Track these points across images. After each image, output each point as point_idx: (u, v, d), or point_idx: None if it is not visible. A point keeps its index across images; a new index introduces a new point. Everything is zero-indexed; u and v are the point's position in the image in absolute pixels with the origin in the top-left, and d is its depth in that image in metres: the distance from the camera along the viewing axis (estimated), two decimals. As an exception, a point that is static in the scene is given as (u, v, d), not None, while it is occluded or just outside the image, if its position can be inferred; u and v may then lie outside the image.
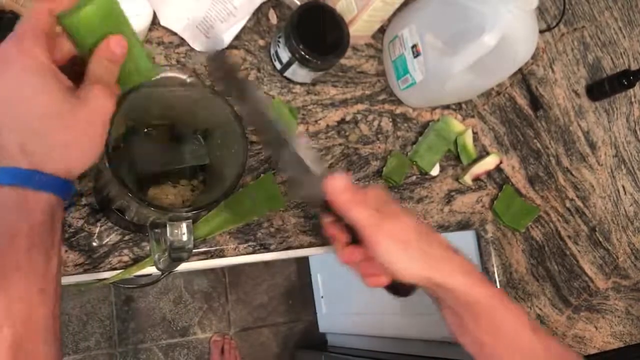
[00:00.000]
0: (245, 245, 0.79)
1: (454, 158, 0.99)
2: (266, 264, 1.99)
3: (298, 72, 0.84)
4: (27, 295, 0.38)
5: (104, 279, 0.72)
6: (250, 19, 0.85)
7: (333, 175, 0.54)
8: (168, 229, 0.57)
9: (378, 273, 0.56)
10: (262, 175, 0.82)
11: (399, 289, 0.58)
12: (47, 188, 0.40)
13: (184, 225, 0.57)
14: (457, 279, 0.54)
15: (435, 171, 0.96)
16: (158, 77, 0.57)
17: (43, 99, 0.40)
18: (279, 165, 0.63)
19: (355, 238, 0.55)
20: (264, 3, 0.86)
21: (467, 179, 0.98)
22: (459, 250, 0.56)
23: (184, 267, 0.77)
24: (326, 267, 1.89)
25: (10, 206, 0.39)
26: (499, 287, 1.00)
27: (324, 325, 1.95)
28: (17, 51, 0.40)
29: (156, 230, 0.63)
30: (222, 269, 1.94)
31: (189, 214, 0.57)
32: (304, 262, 2.02)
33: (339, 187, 0.53)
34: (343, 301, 1.80)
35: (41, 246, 0.40)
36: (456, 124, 0.98)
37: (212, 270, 1.92)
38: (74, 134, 0.41)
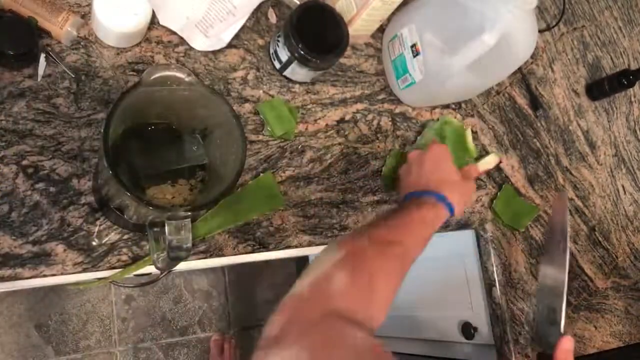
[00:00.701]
0: (244, 245, 0.79)
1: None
2: (266, 263, 1.99)
3: (297, 72, 0.84)
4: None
5: (104, 278, 0.72)
6: (249, 19, 0.85)
7: (568, 337, 0.72)
8: (167, 228, 0.57)
9: None
10: (261, 174, 0.82)
11: None
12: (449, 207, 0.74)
13: (182, 224, 0.57)
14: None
15: None
16: (156, 76, 0.57)
17: (450, 167, 0.79)
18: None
19: None
20: (263, 2, 0.86)
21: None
22: None
23: (183, 266, 0.77)
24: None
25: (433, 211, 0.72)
26: (498, 286, 1.00)
27: (323, 325, 1.94)
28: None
29: (155, 230, 0.63)
30: (222, 268, 1.94)
31: (188, 213, 0.57)
32: (304, 261, 2.02)
33: (568, 346, 0.71)
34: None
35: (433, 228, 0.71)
36: (456, 122, 0.98)
37: (212, 269, 1.92)
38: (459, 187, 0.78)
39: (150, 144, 0.67)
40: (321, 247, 0.87)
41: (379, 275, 0.55)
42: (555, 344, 0.71)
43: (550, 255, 0.84)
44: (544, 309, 0.79)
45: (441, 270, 1.17)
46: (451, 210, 0.73)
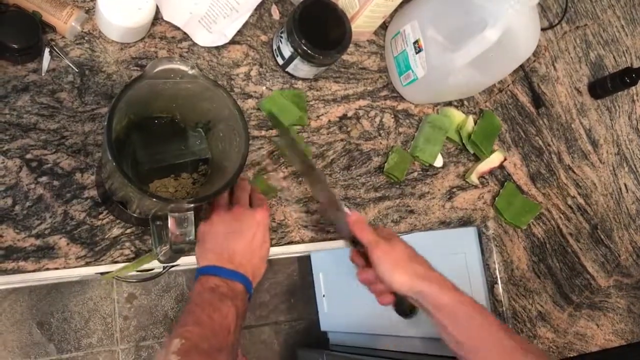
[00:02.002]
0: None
1: (455, 155, 1.00)
2: (268, 262, 1.99)
3: (300, 68, 0.84)
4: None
5: (109, 272, 0.72)
6: (252, 15, 0.85)
7: (352, 211, 0.79)
8: (170, 220, 0.57)
9: (385, 291, 0.74)
10: (265, 174, 0.82)
11: (404, 309, 0.75)
12: (244, 283, 0.65)
13: (185, 216, 0.57)
14: (431, 287, 0.69)
15: (439, 162, 0.96)
16: (159, 69, 0.57)
17: (261, 244, 0.69)
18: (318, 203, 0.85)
19: (367, 263, 0.74)
20: (266, -1, 0.86)
21: (474, 177, 0.98)
22: (437, 270, 0.73)
23: (186, 263, 0.78)
24: (328, 266, 1.89)
25: (236, 289, 0.63)
26: (500, 284, 1.00)
27: (325, 324, 1.95)
28: (264, 221, 0.69)
29: (158, 223, 0.63)
30: (224, 267, 1.93)
31: (191, 205, 0.57)
32: (305, 260, 2.02)
33: (355, 219, 0.75)
34: (344, 300, 1.80)
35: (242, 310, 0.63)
36: (456, 113, 0.98)
37: (214, 268, 1.91)
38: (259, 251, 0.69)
39: (153, 137, 0.67)
40: (323, 243, 0.88)
41: None
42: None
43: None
44: (326, 210, 0.82)
45: (443, 268, 1.17)
46: (250, 295, 0.67)
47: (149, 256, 0.71)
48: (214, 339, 0.57)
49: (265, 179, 0.82)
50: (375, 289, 0.75)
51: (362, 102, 0.93)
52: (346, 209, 0.79)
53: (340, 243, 0.93)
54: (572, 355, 1.05)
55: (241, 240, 0.65)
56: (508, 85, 1.10)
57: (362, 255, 0.75)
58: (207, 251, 0.65)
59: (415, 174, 0.96)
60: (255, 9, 0.85)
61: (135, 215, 0.67)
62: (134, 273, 1.12)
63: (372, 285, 0.75)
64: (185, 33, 0.80)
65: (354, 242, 0.76)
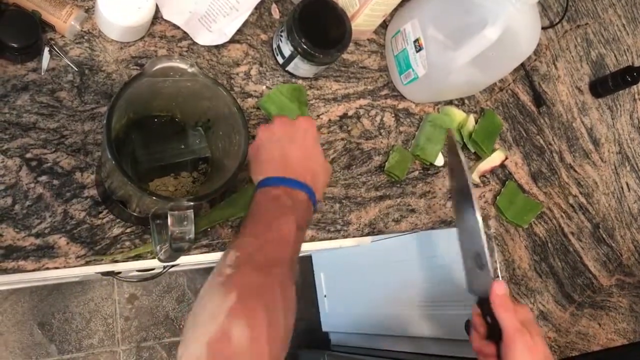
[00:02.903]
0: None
1: (457, 153, 0.99)
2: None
3: (300, 67, 0.84)
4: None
5: (108, 255, 0.72)
6: (252, 14, 0.85)
7: (500, 281, 0.70)
8: (169, 218, 0.57)
9: None
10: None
11: None
12: (306, 191, 0.62)
13: (185, 215, 0.57)
14: None
15: (439, 161, 0.96)
16: (159, 67, 0.57)
17: (319, 156, 0.67)
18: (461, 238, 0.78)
19: (489, 335, 0.69)
20: (266, -3, 0.86)
21: (475, 176, 0.98)
22: None
23: (186, 263, 0.78)
24: (329, 266, 1.89)
25: (298, 199, 0.61)
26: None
27: (327, 324, 1.94)
28: (311, 127, 0.68)
29: (158, 222, 0.63)
30: (225, 268, 1.93)
31: (191, 203, 0.57)
32: (307, 261, 2.02)
33: (501, 290, 0.68)
34: (346, 300, 1.80)
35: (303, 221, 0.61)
36: (456, 112, 0.98)
37: (215, 268, 1.91)
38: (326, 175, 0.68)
39: (153, 136, 0.67)
40: (324, 243, 0.87)
41: (277, 312, 0.51)
42: (488, 287, 0.69)
43: (459, 203, 0.77)
44: (468, 256, 0.75)
45: (446, 268, 1.17)
46: (314, 203, 0.64)
47: (148, 245, 0.71)
48: (272, 251, 0.55)
49: None
50: None
51: (362, 101, 0.93)
52: (491, 269, 0.71)
53: (341, 243, 0.93)
54: (574, 355, 1.05)
55: (294, 146, 0.64)
56: (509, 84, 1.09)
57: (485, 324, 0.70)
58: (262, 163, 0.63)
59: (416, 173, 0.95)
60: (255, 8, 0.84)
61: (135, 214, 0.67)
62: (135, 273, 1.12)
63: (484, 358, 0.70)
64: (185, 32, 0.80)
65: (481, 304, 0.71)
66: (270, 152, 0.64)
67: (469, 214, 0.74)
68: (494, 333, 0.68)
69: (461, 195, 0.76)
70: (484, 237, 0.72)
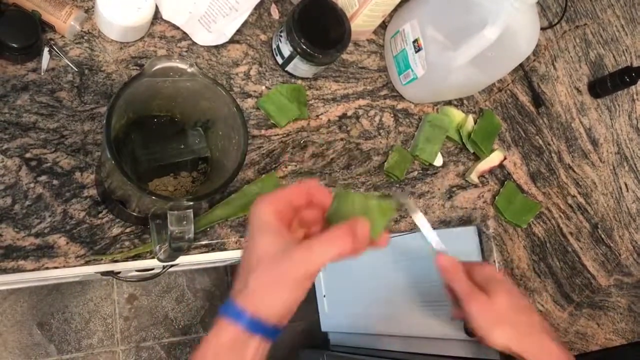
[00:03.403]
0: (246, 239, 0.79)
1: (455, 154, 0.99)
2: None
3: (299, 67, 0.84)
4: None
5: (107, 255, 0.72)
6: (252, 14, 0.86)
7: (441, 255, 0.68)
8: (169, 218, 0.57)
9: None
10: (264, 173, 0.82)
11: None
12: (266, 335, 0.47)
13: (184, 214, 0.57)
14: (533, 350, 0.64)
15: (438, 162, 0.96)
16: (158, 67, 0.57)
17: (259, 250, 0.47)
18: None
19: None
20: (265, -2, 0.86)
21: (474, 176, 0.98)
22: (554, 334, 0.67)
23: (186, 263, 0.78)
24: (328, 266, 1.88)
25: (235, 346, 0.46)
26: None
27: (326, 324, 1.94)
28: (254, 211, 0.49)
29: (157, 222, 0.63)
30: (224, 268, 1.94)
31: (190, 203, 0.57)
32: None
33: (446, 265, 0.67)
34: (345, 300, 1.80)
35: None
36: (455, 113, 0.98)
37: (215, 268, 1.92)
38: (279, 285, 0.46)
39: (152, 136, 0.67)
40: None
41: None
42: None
43: None
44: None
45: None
46: (261, 329, 0.46)
47: (148, 244, 0.71)
48: None
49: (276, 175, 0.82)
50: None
51: (361, 102, 0.93)
52: (433, 241, 0.69)
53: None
54: (573, 355, 1.05)
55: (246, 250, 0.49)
56: (508, 85, 1.10)
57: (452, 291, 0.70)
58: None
59: (415, 173, 0.95)
60: (255, 8, 0.85)
61: (134, 214, 0.67)
62: (134, 273, 1.12)
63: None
64: (184, 32, 0.80)
65: None
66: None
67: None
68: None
69: None
70: (417, 215, 0.68)
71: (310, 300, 1.99)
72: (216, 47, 0.82)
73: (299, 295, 0.46)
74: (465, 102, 1.02)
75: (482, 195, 1.01)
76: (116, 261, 0.71)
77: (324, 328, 1.95)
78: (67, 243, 0.68)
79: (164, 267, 0.93)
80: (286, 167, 0.84)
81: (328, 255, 0.45)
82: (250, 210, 0.49)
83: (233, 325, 0.45)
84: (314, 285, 1.96)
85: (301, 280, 0.45)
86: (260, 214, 0.48)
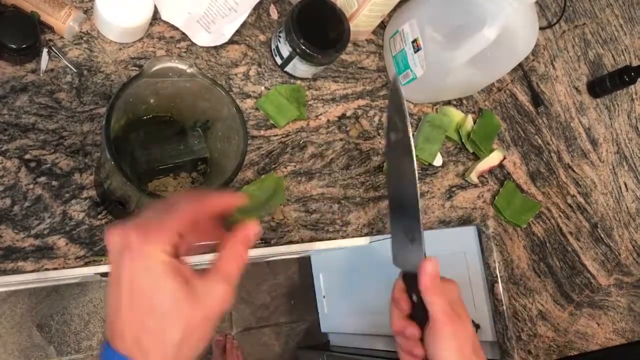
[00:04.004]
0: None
1: (455, 154, 0.99)
2: (268, 263, 1.99)
3: (299, 67, 0.84)
4: None
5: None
6: (251, 14, 0.86)
7: (432, 258, 0.60)
8: (168, 219, 0.57)
9: (416, 355, 0.60)
10: (263, 173, 0.82)
11: None
12: None
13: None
14: None
15: (438, 161, 0.96)
16: (157, 67, 0.57)
17: (162, 300, 0.40)
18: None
19: (413, 315, 0.61)
20: (264, -2, 0.86)
21: (473, 176, 0.98)
22: None
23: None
24: (328, 267, 1.89)
25: None
26: (500, 283, 0.99)
27: (326, 325, 1.95)
28: (141, 250, 0.40)
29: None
30: (224, 269, 1.93)
31: (189, 204, 0.57)
32: (306, 262, 2.02)
33: (432, 271, 0.59)
34: (345, 301, 1.80)
35: None
36: (455, 113, 0.98)
37: (214, 269, 1.91)
38: (190, 333, 0.41)
39: (151, 137, 0.67)
40: (323, 243, 0.87)
41: None
42: (417, 263, 0.61)
43: (395, 166, 0.65)
44: (398, 227, 0.64)
45: (443, 268, 1.17)
46: None
47: None
48: None
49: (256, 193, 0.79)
50: (407, 346, 0.61)
51: (361, 102, 0.93)
52: (423, 243, 0.62)
53: (339, 243, 0.93)
54: (572, 354, 1.05)
55: (122, 288, 0.41)
56: (507, 84, 1.10)
57: (410, 302, 0.61)
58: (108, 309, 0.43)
59: (415, 173, 0.95)
60: (254, 9, 0.85)
61: (134, 215, 0.67)
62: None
63: (405, 340, 0.62)
64: (183, 33, 0.80)
65: (407, 280, 0.62)
66: (110, 292, 0.43)
67: (404, 180, 0.63)
68: (419, 313, 0.60)
69: (397, 154, 0.64)
70: (420, 208, 0.63)
71: (310, 301, 2.00)
72: (215, 47, 0.82)
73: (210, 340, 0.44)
74: (464, 102, 1.02)
75: (482, 195, 1.01)
76: (116, 262, 0.71)
77: (323, 329, 1.95)
78: (67, 244, 0.68)
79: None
80: (285, 168, 0.84)
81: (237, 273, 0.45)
82: (131, 243, 0.41)
83: None
84: (313, 286, 1.96)
85: (220, 316, 0.43)
86: (155, 255, 0.40)
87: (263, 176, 0.81)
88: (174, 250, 0.42)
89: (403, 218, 0.63)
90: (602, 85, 1.18)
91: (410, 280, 0.61)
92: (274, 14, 0.89)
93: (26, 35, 0.67)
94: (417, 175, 0.62)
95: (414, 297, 0.61)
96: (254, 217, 0.48)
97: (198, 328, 0.41)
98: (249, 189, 0.78)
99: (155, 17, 0.78)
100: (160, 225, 0.42)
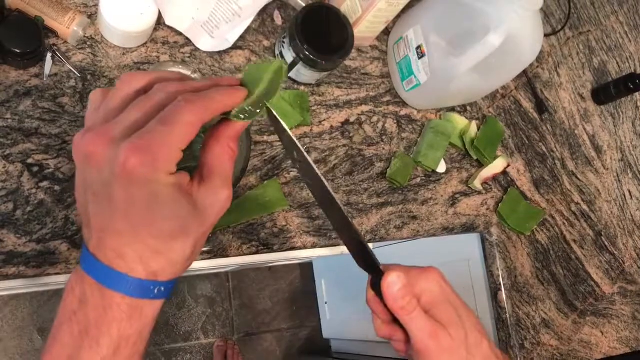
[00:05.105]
0: (248, 246, 0.79)
1: (458, 160, 0.99)
2: (270, 269, 1.99)
3: (302, 73, 0.84)
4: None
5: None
6: (255, 20, 0.85)
7: (390, 272, 0.51)
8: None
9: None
10: (266, 179, 0.82)
11: None
12: (162, 296, 0.40)
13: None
14: None
15: (442, 168, 0.96)
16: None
17: (172, 225, 0.38)
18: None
19: (395, 319, 0.53)
20: (269, 4, 0.86)
21: (477, 183, 0.98)
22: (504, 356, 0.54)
23: (187, 270, 0.77)
24: (330, 273, 1.88)
25: (125, 315, 0.38)
26: (503, 290, 0.99)
27: (327, 331, 1.94)
28: (146, 176, 0.37)
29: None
30: (226, 274, 1.93)
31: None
32: (308, 267, 2.01)
33: (396, 289, 0.50)
34: (347, 307, 1.80)
35: (142, 346, 0.41)
36: (459, 119, 0.98)
37: (216, 275, 1.91)
38: (196, 246, 0.41)
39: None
40: (325, 249, 0.87)
41: None
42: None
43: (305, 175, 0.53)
44: (345, 241, 0.57)
45: (446, 275, 1.16)
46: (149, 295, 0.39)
47: None
48: None
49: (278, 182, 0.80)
50: (398, 346, 0.55)
51: (364, 108, 0.93)
52: (373, 256, 0.55)
53: (342, 250, 0.92)
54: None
55: (96, 181, 0.38)
56: (511, 91, 1.09)
57: (386, 309, 0.53)
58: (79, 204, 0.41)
59: (418, 179, 0.95)
60: (258, 14, 0.85)
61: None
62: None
63: (398, 346, 0.55)
64: (187, 38, 0.80)
65: (376, 287, 0.53)
66: (93, 200, 0.39)
67: (317, 189, 0.52)
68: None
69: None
70: (351, 219, 0.55)
71: (311, 307, 1.99)
72: (219, 52, 0.82)
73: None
74: (468, 108, 1.02)
75: (486, 202, 1.00)
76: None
77: (325, 335, 1.95)
78: (69, 249, 0.68)
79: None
80: (289, 174, 0.84)
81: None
82: (132, 167, 0.36)
83: (119, 294, 0.38)
84: (315, 293, 1.95)
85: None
86: (162, 179, 0.37)
87: (266, 182, 0.81)
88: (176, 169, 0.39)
89: (344, 230, 0.55)
90: (607, 92, 1.17)
91: (379, 288, 0.53)
92: (278, 19, 0.89)
93: (30, 40, 0.67)
94: (325, 182, 0.51)
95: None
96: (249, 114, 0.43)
97: (203, 238, 0.41)
98: (253, 195, 0.78)
99: (159, 22, 0.78)
100: (162, 145, 0.37)
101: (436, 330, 0.50)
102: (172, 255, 0.39)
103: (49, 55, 0.71)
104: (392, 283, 0.51)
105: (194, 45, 0.80)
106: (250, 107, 0.43)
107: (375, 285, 0.53)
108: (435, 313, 0.51)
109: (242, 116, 0.43)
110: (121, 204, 0.37)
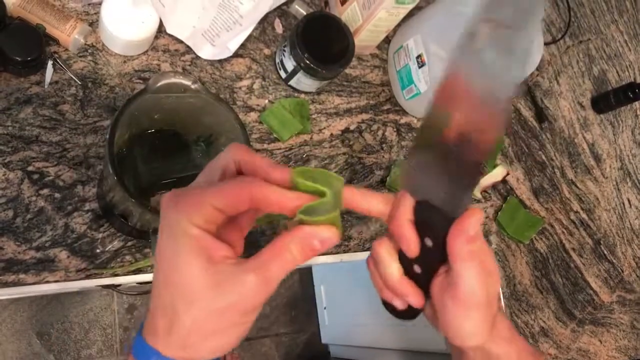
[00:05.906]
0: (247, 254, 0.79)
1: (458, 169, 0.99)
2: (269, 274, 1.98)
3: (303, 81, 0.84)
4: None
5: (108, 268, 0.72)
6: (255, 28, 0.86)
7: (476, 210, 0.42)
8: (170, 234, 0.56)
9: (399, 295, 0.48)
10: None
11: (403, 312, 0.51)
12: None
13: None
14: (502, 346, 0.47)
15: None
16: (162, 83, 0.57)
17: (179, 278, 0.36)
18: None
19: (412, 265, 0.45)
20: (269, 12, 0.86)
21: (477, 192, 0.98)
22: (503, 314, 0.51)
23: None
24: (329, 278, 1.88)
25: None
26: (502, 299, 0.99)
27: (326, 337, 1.94)
28: (169, 218, 0.36)
29: (158, 236, 0.63)
30: (225, 279, 1.93)
31: (192, 220, 0.56)
32: (307, 272, 2.01)
33: (473, 234, 0.42)
34: (346, 312, 1.79)
35: None
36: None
37: (215, 279, 1.91)
38: (201, 318, 0.36)
39: (155, 151, 0.67)
40: (324, 257, 0.87)
41: None
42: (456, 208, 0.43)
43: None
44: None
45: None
46: None
47: (149, 259, 0.71)
48: None
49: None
50: (385, 294, 0.50)
51: (364, 116, 0.93)
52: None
53: (341, 257, 0.92)
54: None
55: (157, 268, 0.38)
56: (511, 100, 1.10)
57: (419, 247, 0.44)
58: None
59: (418, 188, 0.95)
60: (259, 23, 0.85)
61: (136, 228, 0.67)
62: (135, 285, 1.12)
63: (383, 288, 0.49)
64: (188, 46, 0.80)
65: (426, 218, 0.43)
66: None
67: None
68: (429, 262, 0.45)
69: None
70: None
71: (310, 312, 1.99)
72: (220, 61, 0.83)
73: (243, 334, 0.38)
74: (468, 117, 1.02)
75: (485, 211, 1.01)
76: (117, 275, 0.71)
77: (324, 340, 1.95)
78: (68, 257, 0.68)
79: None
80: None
81: (285, 272, 0.37)
82: (164, 211, 0.36)
83: None
84: (314, 298, 1.95)
85: (252, 311, 0.37)
86: (181, 225, 0.35)
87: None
88: (210, 226, 0.36)
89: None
90: (607, 101, 1.17)
91: (429, 217, 0.42)
92: (278, 28, 0.89)
93: (31, 48, 0.67)
94: None
95: (428, 242, 0.43)
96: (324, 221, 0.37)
97: (214, 317, 0.36)
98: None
99: (160, 30, 0.78)
100: (196, 195, 0.36)
101: (486, 280, 0.43)
102: (173, 315, 0.36)
103: (50, 62, 0.71)
104: (477, 221, 0.42)
105: (194, 53, 0.81)
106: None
107: (423, 211, 0.43)
108: (484, 260, 0.44)
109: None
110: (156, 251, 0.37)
